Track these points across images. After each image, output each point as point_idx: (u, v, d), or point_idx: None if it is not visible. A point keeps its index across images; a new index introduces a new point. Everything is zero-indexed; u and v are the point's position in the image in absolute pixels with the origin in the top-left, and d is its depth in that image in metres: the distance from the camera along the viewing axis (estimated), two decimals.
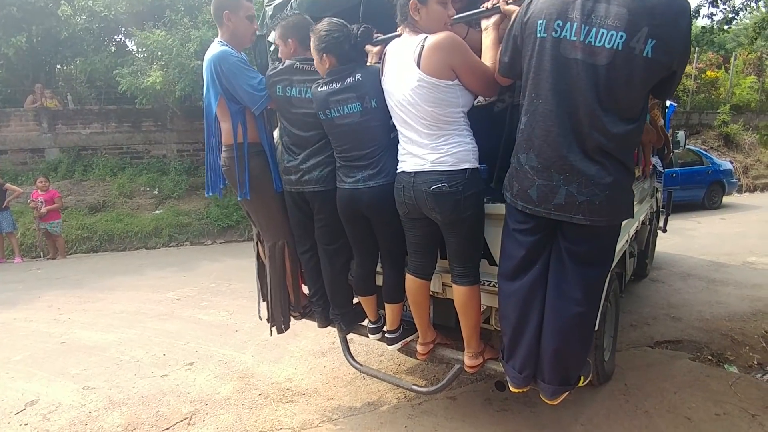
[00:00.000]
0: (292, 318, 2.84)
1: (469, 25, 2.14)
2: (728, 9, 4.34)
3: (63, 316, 4.66)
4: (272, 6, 2.89)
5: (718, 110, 13.17)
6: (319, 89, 2.21)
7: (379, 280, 2.45)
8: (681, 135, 5.24)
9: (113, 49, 10.78)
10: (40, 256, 7.74)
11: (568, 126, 1.67)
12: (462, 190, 1.94)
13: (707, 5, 4.60)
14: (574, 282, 1.80)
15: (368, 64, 2.26)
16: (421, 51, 1.88)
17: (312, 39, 2.18)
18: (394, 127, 2.12)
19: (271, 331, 2.78)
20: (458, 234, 2.03)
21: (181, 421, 2.70)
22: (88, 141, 9.90)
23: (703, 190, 9.53)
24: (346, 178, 2.22)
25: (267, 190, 2.54)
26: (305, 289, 2.80)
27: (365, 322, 2.63)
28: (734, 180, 10.28)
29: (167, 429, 2.64)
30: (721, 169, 9.80)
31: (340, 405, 2.83)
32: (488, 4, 1.99)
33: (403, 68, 1.96)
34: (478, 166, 2.02)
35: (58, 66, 11.73)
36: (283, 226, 2.62)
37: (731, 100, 13.50)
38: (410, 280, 2.23)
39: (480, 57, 1.99)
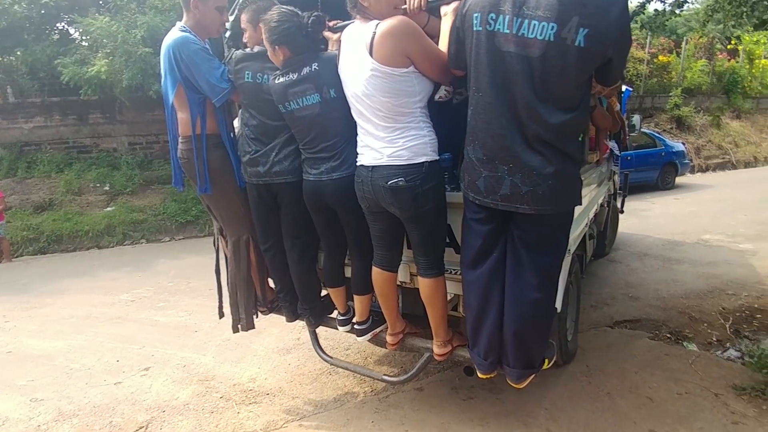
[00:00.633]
0: (259, 313, 2.77)
1: (431, 12, 2.10)
2: None
3: (8, 323, 4.41)
4: None
5: (670, 94, 13.64)
6: (276, 81, 2.16)
7: (349, 272, 2.43)
8: (636, 119, 5.39)
9: (56, 37, 10.10)
10: None
11: (509, 118, 1.69)
12: (420, 184, 1.92)
13: None
14: (530, 268, 1.85)
15: (330, 50, 2.22)
16: (372, 38, 1.84)
17: (263, 30, 2.12)
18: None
19: (237, 328, 2.69)
20: (419, 227, 2.03)
21: (137, 430, 2.58)
22: (30, 136, 9.36)
23: (657, 172, 9.88)
24: (311, 170, 2.20)
25: (228, 183, 2.48)
26: (272, 283, 2.74)
27: (334, 314, 2.61)
28: (686, 161, 10.70)
29: None
30: (673, 150, 10.18)
31: (305, 403, 2.77)
32: None
33: (356, 57, 1.92)
34: (437, 158, 2.00)
35: None
36: (246, 219, 2.56)
37: (683, 84, 14.00)
38: (376, 272, 2.22)
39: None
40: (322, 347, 2.82)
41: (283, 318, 2.73)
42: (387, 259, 2.19)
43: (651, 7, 4.46)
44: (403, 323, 2.37)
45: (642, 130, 6.98)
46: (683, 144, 11.21)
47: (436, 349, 2.22)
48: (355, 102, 1.99)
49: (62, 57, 8.50)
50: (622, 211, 5.68)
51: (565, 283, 2.49)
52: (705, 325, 3.67)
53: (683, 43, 14.62)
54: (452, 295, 2.27)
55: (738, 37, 15.46)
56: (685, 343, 3.35)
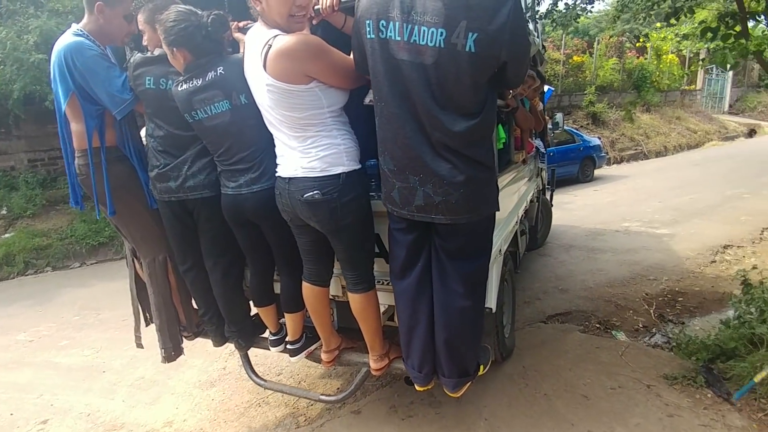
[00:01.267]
0: (184, 339, 2.55)
1: (347, 13, 1.96)
2: None
3: None
4: None
5: (585, 92, 14.44)
6: (179, 88, 1.99)
7: (278, 288, 2.30)
8: (559, 117, 5.60)
9: None
10: None
11: (414, 127, 1.64)
12: (337, 196, 1.81)
13: None
14: (454, 277, 1.82)
15: (242, 52, 2.03)
16: (267, 52, 1.68)
17: (159, 32, 1.95)
18: None
19: (164, 359, 2.46)
20: (342, 241, 1.92)
21: None
22: None
23: (577, 166, 10.38)
24: (229, 183, 2.05)
25: (137, 199, 2.29)
26: (195, 305, 2.53)
27: (266, 334, 2.47)
28: (603, 154, 11.34)
29: None
30: (591, 145, 10.73)
31: None
32: None
33: (254, 67, 1.78)
34: (357, 167, 1.87)
35: None
36: (161, 238, 2.37)
37: (596, 82, 14.86)
38: (307, 288, 2.10)
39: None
40: (255, 371, 2.60)
41: (208, 346, 2.53)
42: (317, 273, 2.07)
43: (561, 5, 4.60)
44: (338, 339, 2.27)
45: (564, 127, 7.27)
46: (599, 138, 11.90)
47: (372, 364, 2.13)
48: (263, 111, 1.86)
49: None
50: (551, 205, 5.84)
51: (499, 282, 2.48)
52: (631, 312, 3.80)
53: (595, 44, 15.56)
54: (386, 306, 2.21)
55: (646, 35, 16.81)
56: (613, 332, 3.44)
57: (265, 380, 2.56)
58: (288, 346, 2.32)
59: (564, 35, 14.11)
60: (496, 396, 2.64)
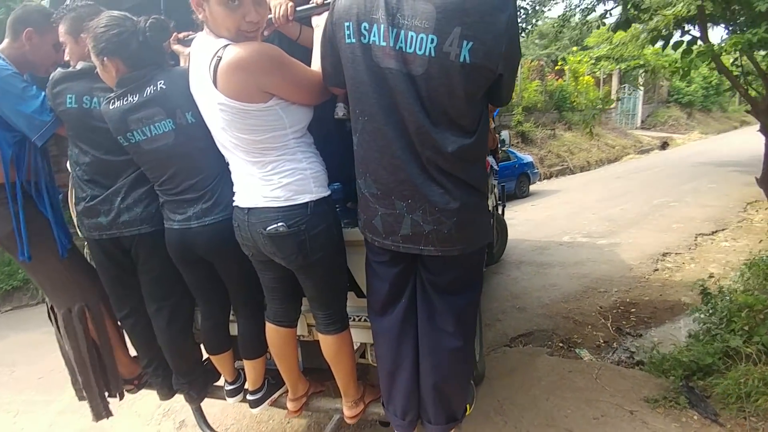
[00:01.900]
0: (126, 393, 2.28)
1: (303, 23, 1.75)
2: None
3: None
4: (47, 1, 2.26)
5: (513, 112, 15.03)
6: (111, 106, 1.71)
7: (235, 329, 2.02)
8: (505, 134, 5.61)
9: None
10: None
11: (402, 145, 1.41)
12: (305, 228, 1.56)
13: None
14: (444, 315, 1.63)
15: (183, 66, 1.79)
16: (216, 66, 1.40)
17: (88, 40, 1.67)
18: None
19: (94, 417, 2.20)
20: (312, 279, 1.69)
21: None
22: None
23: (514, 182, 10.61)
24: (174, 216, 1.76)
25: (44, 243, 2.01)
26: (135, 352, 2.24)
27: (220, 382, 2.19)
28: (536, 171, 11.70)
29: None
30: (524, 162, 11.05)
31: None
32: (318, 0, 1.64)
33: (202, 82, 1.49)
34: (326, 193, 1.63)
35: None
36: (76, 286, 2.09)
37: (522, 103, 15.53)
38: (271, 329, 1.86)
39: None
40: (210, 424, 2.31)
41: (153, 396, 2.21)
42: (283, 313, 1.83)
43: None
44: (305, 384, 2.03)
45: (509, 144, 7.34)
46: (530, 156, 12.30)
47: (346, 411, 1.92)
48: (214, 132, 1.58)
49: None
50: (504, 221, 5.78)
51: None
52: (589, 327, 3.70)
53: (519, 67, 16.30)
54: (359, 344, 2.01)
55: (563, 59, 17.86)
56: (577, 350, 3.31)
57: None
58: (248, 396, 2.03)
59: None
60: None
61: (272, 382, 2.06)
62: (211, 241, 1.74)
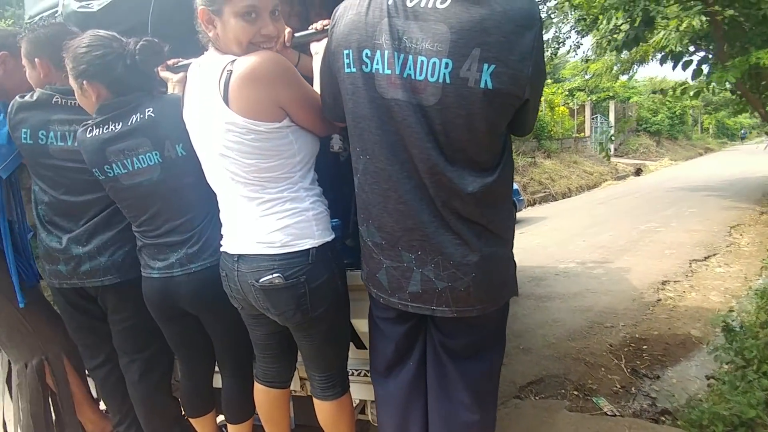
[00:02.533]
0: None
1: (301, 50, 1.61)
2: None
3: None
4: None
5: None
6: (88, 134, 1.51)
7: (218, 381, 1.80)
8: None
9: None
10: None
11: (411, 188, 1.20)
12: (305, 280, 1.34)
13: None
14: (459, 382, 1.37)
15: (170, 93, 1.63)
16: (228, 80, 1.25)
17: (67, 61, 1.48)
18: None
19: None
20: (310, 338, 1.47)
21: None
22: None
23: None
24: (154, 262, 1.56)
25: (1, 286, 1.80)
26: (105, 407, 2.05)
27: None
28: (521, 198, 11.48)
29: None
30: None
31: None
32: (318, 25, 1.50)
33: (208, 103, 1.31)
34: (329, 238, 1.41)
35: None
36: (38, 335, 1.90)
37: None
38: (260, 390, 1.65)
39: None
40: None
41: None
42: (275, 373, 1.63)
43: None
44: None
45: None
46: (515, 183, 12.14)
47: None
48: (209, 163, 1.39)
49: None
50: None
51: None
52: (603, 370, 3.33)
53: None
54: (358, 401, 1.79)
55: None
56: (595, 399, 2.92)
57: None
58: None
59: None
60: None
61: None
62: (198, 292, 1.52)
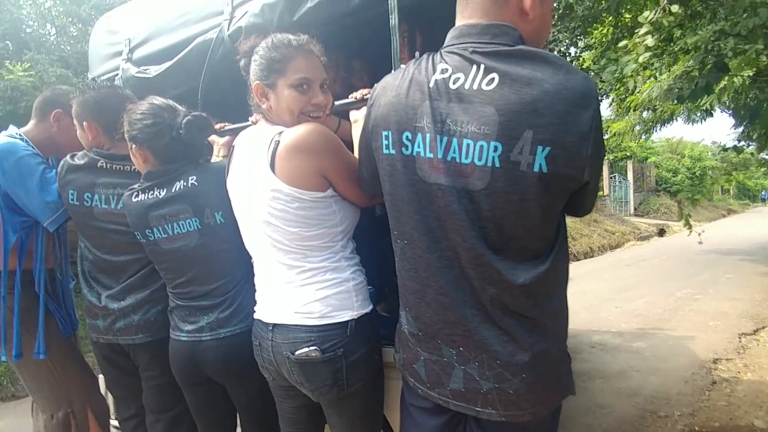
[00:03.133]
0: None
1: (340, 116, 1.71)
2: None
3: None
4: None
5: None
6: (133, 199, 1.57)
7: None
8: None
9: None
10: None
11: (452, 278, 1.10)
12: (343, 354, 1.29)
13: None
14: None
15: (216, 156, 1.76)
16: (275, 150, 1.27)
17: (124, 122, 1.55)
18: None
19: None
20: (343, 415, 1.38)
21: None
22: None
23: None
24: (184, 325, 1.56)
25: (36, 337, 1.83)
26: None
27: None
28: None
29: None
30: None
31: None
32: (357, 95, 1.59)
33: (254, 171, 1.33)
34: (368, 310, 1.37)
35: None
36: (67, 387, 1.92)
37: None
38: None
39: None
40: None
41: None
42: None
43: None
44: None
45: None
46: None
47: None
48: (251, 229, 1.40)
49: None
50: None
51: None
52: None
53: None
54: None
55: None
56: None
57: None
58: None
59: None
60: None
61: None
62: (225, 359, 1.52)
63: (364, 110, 1.41)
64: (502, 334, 1.07)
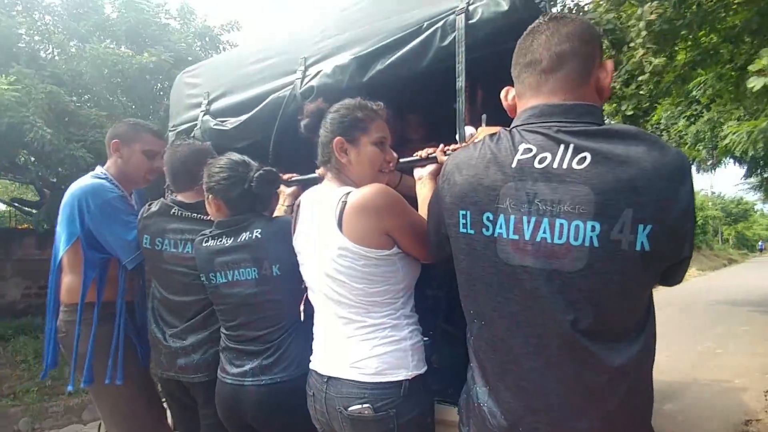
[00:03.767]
0: None
1: (403, 171, 1.74)
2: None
3: None
4: (175, 132, 2.58)
5: None
6: (203, 244, 1.68)
7: None
8: None
9: None
10: None
11: (540, 365, 1.01)
12: (395, 414, 1.26)
13: None
14: None
15: (281, 205, 1.85)
16: (342, 210, 1.30)
17: (205, 173, 1.68)
18: (306, 300, 1.59)
19: None
20: None
21: None
22: None
23: None
24: (230, 367, 1.61)
25: (112, 366, 1.88)
26: None
27: None
28: None
29: None
30: None
31: None
32: (423, 153, 1.61)
33: (322, 228, 1.37)
34: (422, 370, 1.32)
35: None
36: (137, 417, 1.96)
37: None
38: None
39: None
40: None
41: None
42: None
43: None
44: None
45: None
46: None
47: None
48: (316, 283, 1.41)
49: None
50: None
51: None
52: None
53: None
54: None
55: None
56: None
57: None
58: None
59: None
60: None
61: None
62: (263, 406, 1.55)
63: (430, 168, 1.57)
64: (596, 421, 0.99)
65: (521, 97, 1.12)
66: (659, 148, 0.95)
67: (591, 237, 0.94)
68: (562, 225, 0.97)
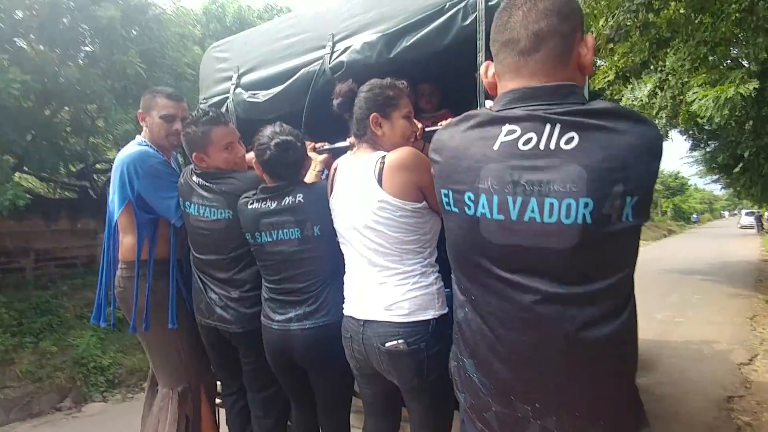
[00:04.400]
0: None
1: (425, 140, 1.83)
2: None
3: None
4: (206, 105, 2.69)
5: None
6: (248, 206, 1.82)
7: None
8: None
9: None
10: None
11: (526, 338, 1.04)
12: (425, 347, 1.49)
13: None
14: None
15: (312, 170, 2.00)
16: (381, 169, 1.51)
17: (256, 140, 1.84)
18: (340, 255, 1.70)
19: None
20: (422, 402, 1.56)
21: None
22: None
23: None
24: (275, 315, 1.80)
25: (165, 320, 2.08)
26: None
27: None
28: None
29: None
30: None
31: None
32: (445, 123, 1.49)
33: (360, 188, 1.57)
34: (446, 311, 1.53)
35: None
36: (186, 366, 2.15)
37: None
38: None
39: None
40: None
41: None
42: (382, 428, 1.73)
43: None
44: None
45: None
46: None
47: None
48: (353, 237, 1.60)
49: None
50: None
51: None
52: None
53: None
54: None
55: None
56: None
57: None
58: None
59: None
60: None
61: None
62: (309, 347, 1.74)
63: None
64: (584, 388, 1.03)
65: (501, 77, 1.10)
66: (644, 123, 0.97)
67: (584, 214, 0.95)
68: (552, 204, 0.97)
